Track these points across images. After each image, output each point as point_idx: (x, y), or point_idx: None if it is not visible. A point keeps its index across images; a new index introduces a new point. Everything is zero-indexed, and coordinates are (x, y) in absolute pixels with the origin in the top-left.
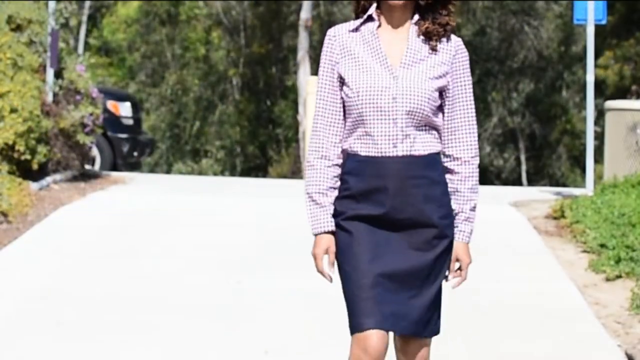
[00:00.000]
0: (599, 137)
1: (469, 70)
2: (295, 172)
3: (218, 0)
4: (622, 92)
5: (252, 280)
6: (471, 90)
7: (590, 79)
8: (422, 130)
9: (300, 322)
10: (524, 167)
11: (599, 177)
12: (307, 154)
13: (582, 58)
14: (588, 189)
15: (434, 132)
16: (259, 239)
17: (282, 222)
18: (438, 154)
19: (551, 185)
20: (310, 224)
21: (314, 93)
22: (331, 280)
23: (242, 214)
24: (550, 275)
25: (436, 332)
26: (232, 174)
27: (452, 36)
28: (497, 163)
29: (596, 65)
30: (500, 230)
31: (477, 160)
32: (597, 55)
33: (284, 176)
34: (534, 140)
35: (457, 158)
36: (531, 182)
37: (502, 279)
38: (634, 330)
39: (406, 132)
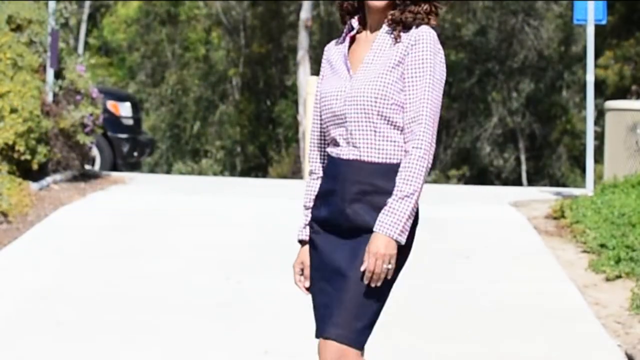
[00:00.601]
0: (599, 137)
1: (428, 60)
2: (296, 172)
3: (218, 0)
4: (622, 92)
5: (252, 280)
6: (430, 81)
7: (590, 79)
8: (381, 136)
9: (300, 322)
10: (524, 167)
11: (599, 177)
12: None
13: (582, 58)
14: (588, 189)
15: (398, 140)
16: (259, 239)
17: (282, 222)
18: (399, 164)
19: (551, 185)
20: None
21: (313, 93)
22: (306, 293)
23: (242, 214)
24: (550, 276)
25: (355, 344)
26: (232, 174)
27: (423, 26)
28: (497, 163)
29: (596, 65)
30: (500, 230)
31: (420, 152)
32: (597, 55)
33: (284, 176)
34: (534, 140)
35: (406, 151)
36: (531, 182)
37: (502, 279)
38: (634, 330)
39: (357, 136)
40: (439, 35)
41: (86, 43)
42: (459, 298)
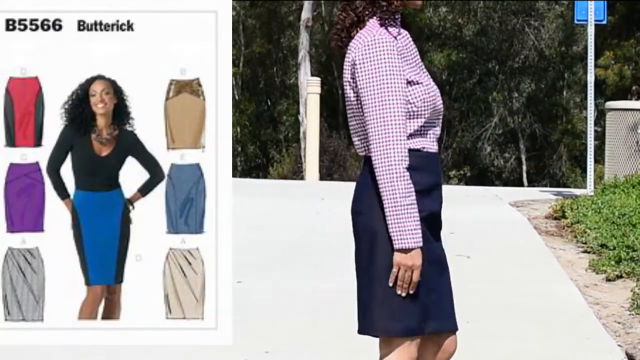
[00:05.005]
0: (600, 137)
1: None
2: (296, 172)
3: None
4: (623, 92)
5: (252, 280)
6: None
7: (590, 79)
8: None
9: (301, 322)
10: (524, 167)
11: (599, 177)
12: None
13: (582, 58)
14: (589, 189)
15: None
16: (259, 239)
17: (282, 222)
18: None
19: (552, 185)
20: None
21: (314, 93)
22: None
23: (243, 214)
24: (550, 276)
25: None
26: (233, 174)
27: None
28: (497, 163)
29: (597, 66)
30: (501, 230)
31: None
32: (598, 55)
33: (285, 176)
34: (534, 141)
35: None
36: (532, 183)
37: (503, 279)
38: (634, 330)
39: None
40: (440, 35)
41: None
42: (459, 298)
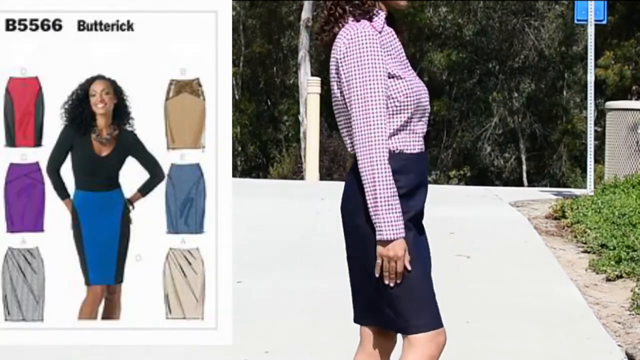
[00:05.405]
0: (600, 137)
1: None
2: (296, 172)
3: None
4: (623, 92)
5: (252, 280)
6: None
7: (590, 79)
8: None
9: (301, 322)
10: (524, 167)
11: (599, 177)
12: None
13: (583, 58)
14: (589, 189)
15: None
16: (259, 239)
17: (282, 222)
18: None
19: (552, 185)
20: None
21: (314, 93)
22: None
23: (243, 214)
24: (550, 276)
25: None
26: (233, 174)
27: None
28: (497, 163)
29: (597, 65)
30: (500, 230)
31: None
32: (598, 55)
33: (285, 176)
34: (534, 140)
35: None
36: (532, 182)
37: (502, 279)
38: (634, 330)
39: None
40: (440, 35)
41: None
42: (460, 297)
